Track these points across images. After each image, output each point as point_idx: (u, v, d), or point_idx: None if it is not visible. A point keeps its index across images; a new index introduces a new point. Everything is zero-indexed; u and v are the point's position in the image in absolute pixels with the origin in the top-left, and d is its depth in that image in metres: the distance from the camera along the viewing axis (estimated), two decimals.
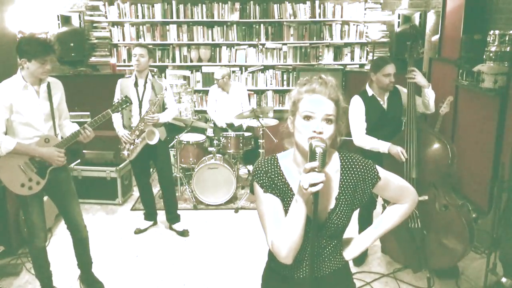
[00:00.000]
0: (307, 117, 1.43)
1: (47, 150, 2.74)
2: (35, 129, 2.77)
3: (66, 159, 2.88)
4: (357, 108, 3.28)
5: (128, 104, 3.21)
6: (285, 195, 1.51)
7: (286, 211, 1.49)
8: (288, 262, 1.45)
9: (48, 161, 2.76)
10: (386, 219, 1.65)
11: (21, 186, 2.76)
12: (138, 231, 4.09)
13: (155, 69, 6.01)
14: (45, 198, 3.03)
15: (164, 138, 3.99)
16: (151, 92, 3.83)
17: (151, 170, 4.61)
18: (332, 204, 1.51)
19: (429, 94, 3.22)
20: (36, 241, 2.91)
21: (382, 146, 3.17)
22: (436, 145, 3.11)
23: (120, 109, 3.17)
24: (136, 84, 3.83)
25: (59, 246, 3.78)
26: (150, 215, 4.21)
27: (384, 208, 3.25)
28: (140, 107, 3.84)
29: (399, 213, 1.64)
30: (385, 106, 3.32)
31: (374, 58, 5.79)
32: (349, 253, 1.61)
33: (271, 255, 1.57)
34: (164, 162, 4.04)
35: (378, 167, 1.57)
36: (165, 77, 6.10)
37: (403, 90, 3.31)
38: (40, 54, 2.63)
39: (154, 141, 3.78)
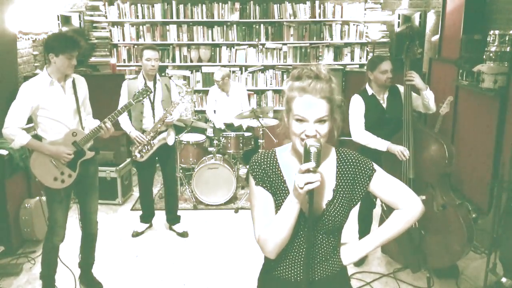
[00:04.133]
0: (300, 120, 1.43)
1: (56, 148, 2.81)
2: (63, 124, 2.86)
3: (94, 153, 2.99)
4: (357, 107, 3.29)
5: (149, 93, 3.28)
6: (277, 189, 1.51)
7: (278, 205, 1.50)
8: (272, 257, 1.49)
9: (58, 158, 2.82)
10: (388, 226, 1.56)
11: (54, 180, 2.85)
12: (136, 234, 4.07)
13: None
14: None
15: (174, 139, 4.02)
16: (162, 92, 3.83)
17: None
18: (329, 196, 1.50)
19: (428, 95, 3.24)
20: (54, 238, 2.96)
21: (380, 144, 3.17)
22: (432, 145, 3.11)
23: (141, 98, 3.24)
24: (145, 86, 3.81)
25: (60, 246, 3.76)
26: (147, 217, 4.18)
27: (383, 209, 3.25)
28: (153, 108, 3.82)
29: (402, 221, 1.55)
30: (384, 105, 3.33)
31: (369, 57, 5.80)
32: (348, 258, 1.57)
33: (267, 257, 1.57)
34: (171, 162, 4.06)
35: (375, 165, 1.56)
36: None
37: (403, 89, 3.31)
38: (68, 49, 2.74)
39: (171, 141, 3.83)
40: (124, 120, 3.85)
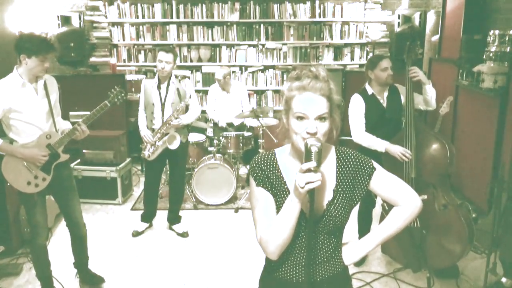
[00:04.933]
0: (300, 118, 1.42)
1: (30, 151, 2.75)
2: (36, 127, 2.78)
3: (68, 156, 2.93)
4: (357, 106, 3.29)
5: (122, 94, 3.15)
6: (278, 190, 1.51)
7: (278, 206, 1.49)
8: (274, 258, 1.48)
9: (34, 161, 2.76)
10: (388, 224, 1.57)
11: (28, 184, 2.78)
12: (136, 233, 4.07)
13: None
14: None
15: (186, 140, 4.01)
16: (174, 95, 3.85)
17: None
18: (330, 196, 1.50)
19: (430, 90, 3.25)
20: (38, 239, 2.92)
21: (379, 145, 3.17)
22: (434, 145, 3.11)
23: (116, 100, 3.11)
24: (158, 87, 3.84)
25: (59, 246, 3.77)
26: (148, 217, 4.18)
27: (383, 208, 3.25)
28: (163, 110, 3.85)
29: (402, 218, 1.55)
30: (384, 104, 3.33)
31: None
32: (349, 258, 1.57)
33: (269, 258, 1.57)
34: (181, 162, 4.07)
35: (374, 163, 1.56)
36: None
37: (403, 89, 3.31)
38: (41, 51, 2.64)
39: (174, 146, 3.82)
40: (141, 118, 3.95)
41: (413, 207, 1.55)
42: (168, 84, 3.84)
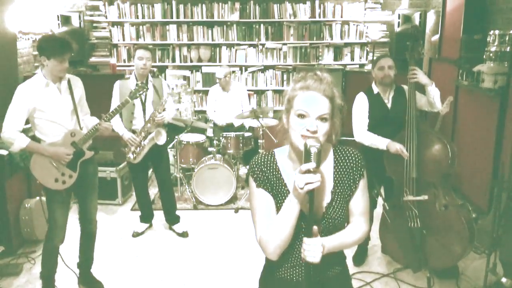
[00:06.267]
0: (301, 116, 1.43)
1: (55, 150, 2.82)
2: (61, 125, 2.86)
3: (93, 153, 3.01)
4: (360, 104, 3.30)
5: (146, 89, 3.27)
6: (278, 191, 1.51)
7: (278, 207, 1.49)
8: (273, 259, 1.48)
9: (58, 159, 2.84)
10: (338, 236, 1.50)
11: (55, 181, 2.85)
12: (136, 235, 4.07)
13: (155, 69, 6.00)
14: None
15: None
16: (153, 93, 3.83)
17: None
18: (328, 198, 1.51)
19: (433, 92, 3.22)
20: (54, 239, 2.96)
21: (381, 143, 3.17)
22: (436, 145, 3.11)
23: (137, 95, 3.24)
24: (142, 83, 3.79)
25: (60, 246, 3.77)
26: (147, 218, 4.18)
27: (384, 208, 3.26)
28: (144, 109, 3.82)
29: (348, 236, 1.53)
30: (389, 105, 3.33)
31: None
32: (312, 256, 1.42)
33: (268, 258, 1.57)
34: (164, 163, 4.05)
35: (365, 171, 1.56)
36: (165, 78, 6.09)
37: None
38: (58, 52, 2.73)
39: (162, 141, 3.81)
40: (116, 122, 3.79)
41: (359, 232, 1.55)
42: (147, 83, 3.78)
